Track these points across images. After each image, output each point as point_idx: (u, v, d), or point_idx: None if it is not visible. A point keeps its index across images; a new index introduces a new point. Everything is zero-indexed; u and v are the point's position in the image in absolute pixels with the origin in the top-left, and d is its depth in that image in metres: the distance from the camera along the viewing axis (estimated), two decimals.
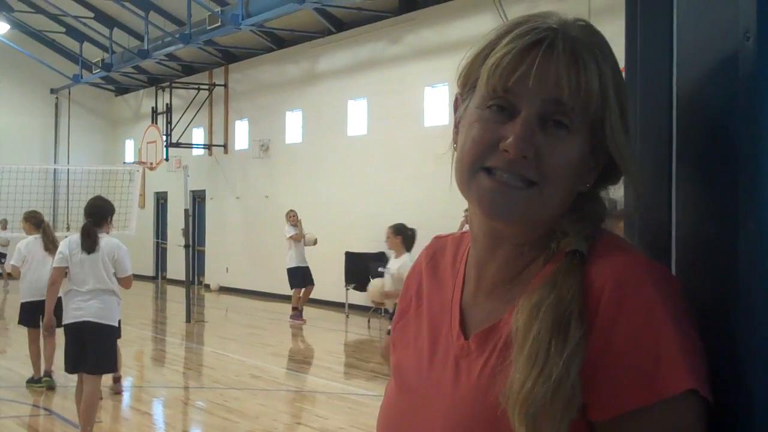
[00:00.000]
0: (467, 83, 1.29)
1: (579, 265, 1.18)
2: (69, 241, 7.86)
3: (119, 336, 8.27)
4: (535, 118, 1.20)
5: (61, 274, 7.78)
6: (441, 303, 1.38)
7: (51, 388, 10.17)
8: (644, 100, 1.35)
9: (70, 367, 7.85)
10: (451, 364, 1.30)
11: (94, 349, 7.65)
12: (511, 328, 1.18)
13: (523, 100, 1.21)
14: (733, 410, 1.14)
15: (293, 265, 17.12)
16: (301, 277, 17.17)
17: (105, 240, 7.78)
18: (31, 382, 10.33)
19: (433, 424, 1.27)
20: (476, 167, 1.23)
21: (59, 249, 7.92)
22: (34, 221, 10.71)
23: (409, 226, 10.79)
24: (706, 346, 1.15)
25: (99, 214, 7.84)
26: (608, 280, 1.15)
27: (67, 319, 7.70)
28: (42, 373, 10.30)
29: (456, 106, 1.32)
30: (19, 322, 10.56)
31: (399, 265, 9.69)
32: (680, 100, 1.28)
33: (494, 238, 1.28)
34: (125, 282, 7.85)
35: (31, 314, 10.21)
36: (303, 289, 17.34)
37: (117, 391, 9.94)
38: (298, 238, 17.11)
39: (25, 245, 10.50)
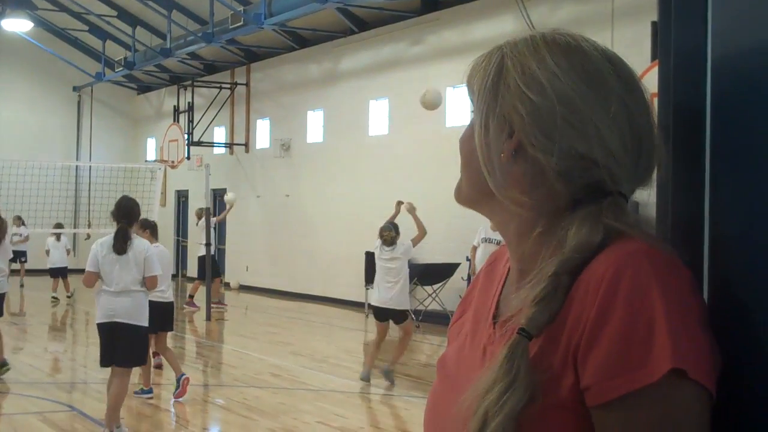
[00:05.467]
0: None
1: (522, 347, 1.21)
2: (100, 243, 8.01)
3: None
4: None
5: (92, 278, 7.97)
6: (485, 299, 1.45)
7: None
8: (678, 95, 1.34)
9: (103, 362, 8.15)
10: (479, 352, 1.36)
11: (123, 346, 7.98)
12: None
13: None
14: (764, 409, 1.13)
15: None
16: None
17: (136, 242, 8.01)
18: None
19: (462, 406, 1.30)
20: None
21: (91, 252, 8.00)
22: None
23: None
24: (740, 346, 1.15)
25: (132, 216, 8.09)
26: (608, 269, 1.18)
27: (98, 318, 8.02)
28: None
29: None
30: None
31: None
32: (715, 95, 1.27)
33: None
34: (150, 282, 8.06)
35: None
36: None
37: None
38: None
39: None
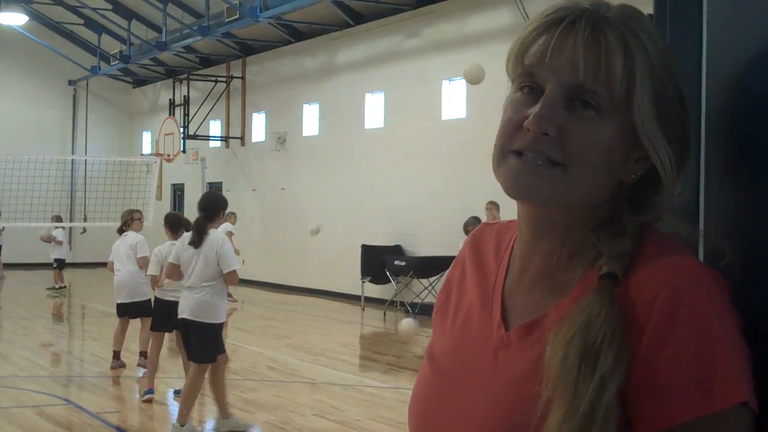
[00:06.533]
0: (509, 75, 1.28)
1: (611, 288, 1.15)
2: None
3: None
4: (559, 97, 1.18)
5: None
6: (482, 290, 1.36)
7: None
8: None
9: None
10: (489, 354, 1.28)
11: (193, 343, 7.96)
12: (546, 364, 1.15)
13: (546, 78, 1.20)
14: None
15: None
16: None
17: (211, 236, 7.86)
18: None
19: (471, 410, 1.26)
20: (506, 150, 1.22)
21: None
22: None
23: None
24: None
25: (209, 209, 7.94)
26: (662, 288, 1.12)
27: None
28: None
29: None
30: None
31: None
32: (710, 90, 1.27)
33: (535, 227, 1.27)
34: (229, 277, 7.92)
35: None
36: None
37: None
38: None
39: None
